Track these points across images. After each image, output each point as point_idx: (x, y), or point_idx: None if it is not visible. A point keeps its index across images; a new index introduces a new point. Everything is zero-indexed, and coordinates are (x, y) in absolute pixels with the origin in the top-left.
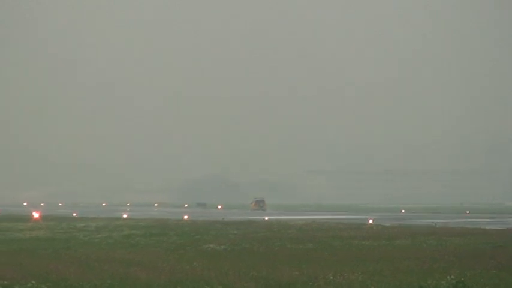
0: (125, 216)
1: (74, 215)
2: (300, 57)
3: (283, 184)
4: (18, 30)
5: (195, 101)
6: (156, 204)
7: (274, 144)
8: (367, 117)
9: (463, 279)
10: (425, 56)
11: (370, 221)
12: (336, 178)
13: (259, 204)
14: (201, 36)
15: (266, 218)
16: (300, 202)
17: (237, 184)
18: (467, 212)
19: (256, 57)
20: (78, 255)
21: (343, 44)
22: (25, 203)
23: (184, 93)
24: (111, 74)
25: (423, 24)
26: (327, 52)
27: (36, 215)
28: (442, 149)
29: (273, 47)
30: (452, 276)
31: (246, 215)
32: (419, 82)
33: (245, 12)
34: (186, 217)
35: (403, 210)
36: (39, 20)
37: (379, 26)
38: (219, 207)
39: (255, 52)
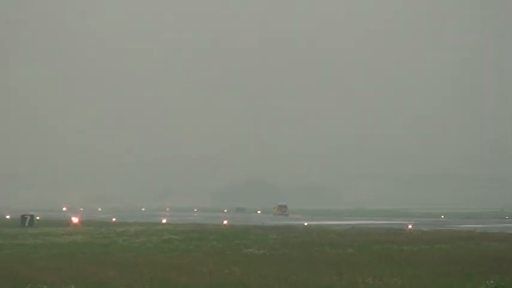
0: (164, 221)
1: (113, 219)
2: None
3: (325, 189)
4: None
5: (235, 106)
6: (195, 209)
7: (316, 149)
8: (411, 124)
9: (502, 283)
10: None
11: (410, 226)
12: (376, 183)
13: (282, 209)
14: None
15: (306, 224)
16: (342, 207)
17: (277, 189)
18: (507, 217)
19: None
20: (117, 260)
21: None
22: (64, 208)
23: (223, 96)
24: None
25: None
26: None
27: (75, 219)
28: (481, 155)
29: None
30: (491, 281)
31: (270, 219)
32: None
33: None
34: (225, 222)
35: (442, 216)
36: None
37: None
38: (259, 212)
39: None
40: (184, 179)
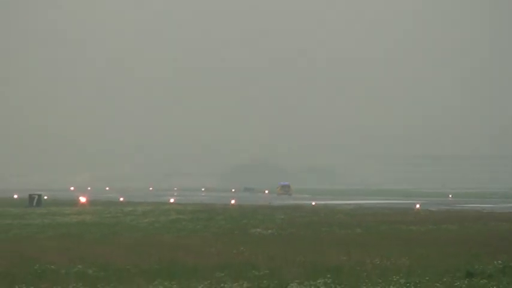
0: (171, 200)
1: (121, 199)
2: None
3: (332, 169)
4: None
5: (244, 85)
6: (203, 189)
7: (323, 128)
8: (420, 103)
9: (510, 264)
10: None
11: (417, 206)
12: (384, 162)
13: (285, 188)
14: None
15: (313, 203)
16: (350, 187)
17: (285, 168)
18: (450, 196)
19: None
20: (125, 240)
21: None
22: (72, 188)
23: (230, 76)
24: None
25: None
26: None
27: (83, 199)
28: (491, 133)
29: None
30: (499, 261)
31: (274, 199)
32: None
33: None
34: (233, 202)
35: (450, 196)
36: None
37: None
38: (266, 191)
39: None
40: (192, 159)
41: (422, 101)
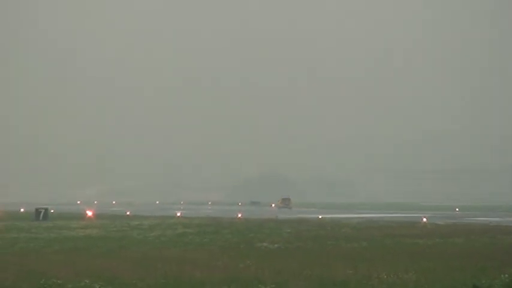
0: (178, 214)
1: (128, 213)
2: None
3: (338, 182)
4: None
5: (250, 102)
6: (209, 203)
7: (330, 142)
8: (421, 117)
9: None
10: None
11: (424, 219)
12: (392, 176)
13: (285, 202)
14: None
15: (320, 217)
16: (356, 200)
17: (293, 182)
18: None
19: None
20: (132, 254)
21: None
22: (79, 202)
23: (237, 93)
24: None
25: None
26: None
27: (89, 213)
28: (500, 147)
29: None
30: (506, 275)
31: (280, 212)
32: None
33: None
34: (239, 215)
35: (457, 209)
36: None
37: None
38: (273, 205)
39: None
40: (199, 172)
41: (428, 116)
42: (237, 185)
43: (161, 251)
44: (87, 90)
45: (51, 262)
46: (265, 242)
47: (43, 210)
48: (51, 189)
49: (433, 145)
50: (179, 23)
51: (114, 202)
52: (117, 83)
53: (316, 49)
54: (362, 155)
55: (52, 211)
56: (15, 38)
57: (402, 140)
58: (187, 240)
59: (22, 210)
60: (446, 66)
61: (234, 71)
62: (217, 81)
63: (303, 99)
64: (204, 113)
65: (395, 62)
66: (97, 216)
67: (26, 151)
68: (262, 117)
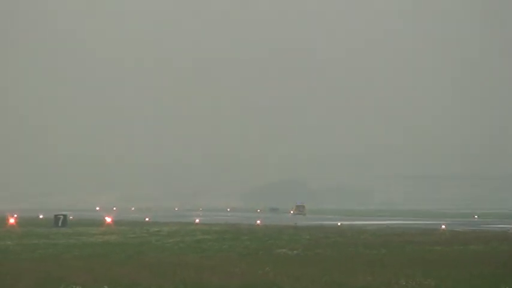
0: (197, 221)
1: (147, 219)
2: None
3: (356, 189)
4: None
5: (271, 108)
6: (228, 209)
7: (347, 149)
8: (441, 123)
9: None
10: None
11: (443, 226)
12: (410, 184)
13: (299, 209)
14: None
15: (339, 224)
16: (374, 207)
17: (312, 189)
18: None
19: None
20: (151, 260)
21: None
22: (98, 208)
23: (252, 99)
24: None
25: None
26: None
27: (108, 219)
28: None
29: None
30: None
31: (291, 219)
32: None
33: None
34: (258, 222)
35: (476, 216)
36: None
37: None
38: (291, 212)
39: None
40: (217, 179)
41: (447, 124)
42: (255, 192)
43: (179, 257)
44: (105, 96)
45: (70, 268)
46: (284, 248)
47: (62, 217)
48: (69, 196)
49: (452, 151)
50: (183, 24)
51: (132, 208)
52: (136, 89)
53: (329, 59)
54: (380, 162)
55: (71, 217)
56: (36, 33)
57: (420, 147)
58: (206, 246)
59: (41, 216)
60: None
61: (248, 76)
62: (234, 85)
63: (321, 109)
64: (223, 119)
65: (409, 74)
66: (116, 222)
67: (43, 158)
68: (281, 125)
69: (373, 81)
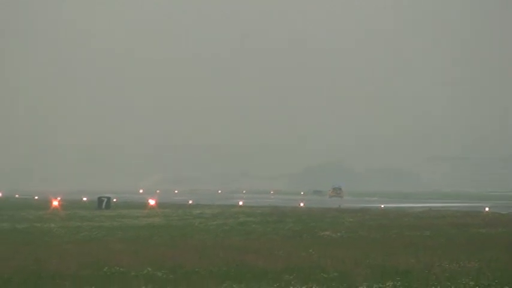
0: (240, 203)
1: (190, 202)
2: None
3: (401, 171)
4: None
5: (314, 91)
6: (272, 192)
7: (393, 131)
8: (484, 105)
9: None
10: None
11: (487, 208)
12: (455, 165)
13: (337, 191)
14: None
15: (382, 206)
16: (419, 189)
17: (354, 172)
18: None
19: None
20: (194, 242)
21: None
22: (141, 190)
23: (303, 82)
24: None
25: None
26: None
27: (152, 202)
28: None
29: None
30: None
31: (327, 202)
32: None
33: None
34: (302, 204)
35: None
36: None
37: None
38: (328, 194)
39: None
40: (261, 161)
41: (490, 102)
42: (299, 174)
43: (223, 239)
44: (145, 83)
45: (114, 250)
46: (327, 231)
47: (105, 199)
48: (112, 178)
49: (500, 133)
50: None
51: (176, 191)
52: (177, 75)
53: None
54: (427, 144)
55: (114, 200)
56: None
57: (468, 128)
58: (250, 229)
59: (84, 199)
60: None
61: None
62: (275, 72)
63: (368, 91)
64: (265, 102)
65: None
66: (159, 205)
67: (87, 141)
68: (326, 108)
69: (411, 65)
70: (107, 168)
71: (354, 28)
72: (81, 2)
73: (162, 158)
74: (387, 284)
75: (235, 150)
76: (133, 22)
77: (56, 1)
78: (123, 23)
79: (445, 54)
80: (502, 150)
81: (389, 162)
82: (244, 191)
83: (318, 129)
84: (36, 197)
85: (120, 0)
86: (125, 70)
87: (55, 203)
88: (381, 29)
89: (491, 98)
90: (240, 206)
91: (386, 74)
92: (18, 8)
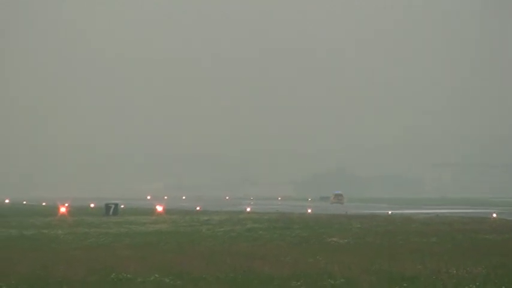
0: (248, 209)
1: (198, 208)
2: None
3: (407, 178)
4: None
5: (318, 95)
6: (279, 198)
7: (397, 137)
8: (490, 109)
9: None
10: None
11: (494, 215)
12: (459, 171)
13: (338, 197)
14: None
15: (389, 212)
16: (425, 196)
17: (359, 178)
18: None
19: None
20: (201, 249)
21: None
22: (148, 197)
23: (304, 89)
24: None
25: None
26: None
27: (159, 208)
28: None
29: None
30: None
31: (327, 208)
32: None
33: None
34: (309, 211)
35: None
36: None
37: None
38: (330, 200)
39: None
40: (268, 168)
41: (498, 110)
42: (306, 181)
43: (230, 246)
44: (145, 83)
45: (121, 257)
46: (334, 237)
47: (113, 206)
48: (120, 185)
49: (503, 139)
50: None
51: (183, 197)
52: (185, 79)
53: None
54: (430, 150)
55: (122, 206)
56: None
57: (471, 134)
58: (257, 235)
59: (92, 205)
60: None
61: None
62: (283, 77)
63: (371, 99)
64: (272, 110)
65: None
66: (167, 211)
67: (93, 147)
68: (331, 115)
69: (413, 71)
70: (107, 171)
71: (354, 28)
72: (81, 2)
73: (170, 165)
74: None
75: (241, 157)
76: (133, 22)
77: (56, 1)
78: (123, 23)
79: (446, 55)
80: (505, 157)
81: (394, 169)
82: (251, 198)
83: (320, 137)
84: (44, 203)
85: (120, 0)
86: (125, 70)
87: (62, 209)
88: (381, 29)
89: (495, 103)
90: (248, 212)
91: (386, 74)
92: (18, 8)
